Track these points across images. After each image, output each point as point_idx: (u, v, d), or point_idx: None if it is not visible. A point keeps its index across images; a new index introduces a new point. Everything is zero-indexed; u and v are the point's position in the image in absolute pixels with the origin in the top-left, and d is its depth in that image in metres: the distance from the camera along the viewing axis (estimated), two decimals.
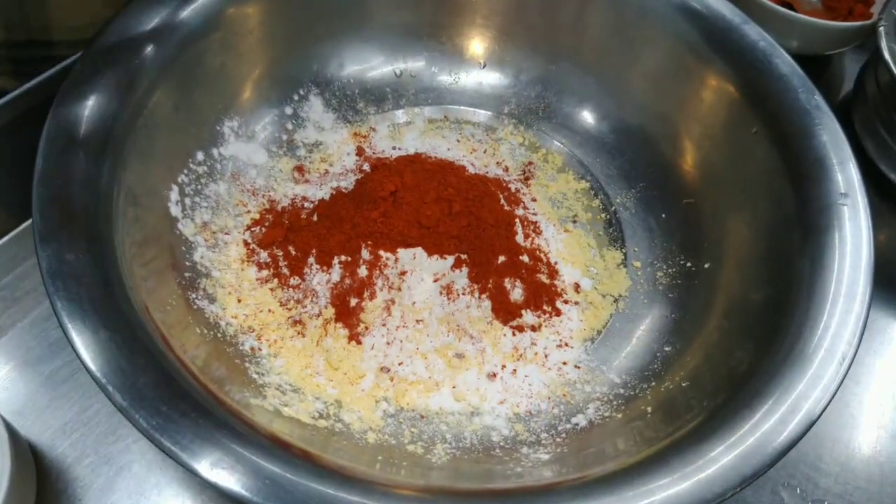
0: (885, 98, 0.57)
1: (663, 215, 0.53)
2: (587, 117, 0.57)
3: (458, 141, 0.57)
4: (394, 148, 0.55)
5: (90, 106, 0.41)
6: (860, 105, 0.61)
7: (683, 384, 0.42)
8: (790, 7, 0.65)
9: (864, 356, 0.51)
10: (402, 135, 0.57)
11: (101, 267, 0.36)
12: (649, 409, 0.42)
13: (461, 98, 0.59)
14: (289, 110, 0.54)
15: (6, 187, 0.49)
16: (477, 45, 0.58)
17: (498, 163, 0.56)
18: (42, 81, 0.48)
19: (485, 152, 0.56)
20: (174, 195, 0.46)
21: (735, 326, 0.44)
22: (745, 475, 0.33)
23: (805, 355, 0.37)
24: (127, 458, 0.42)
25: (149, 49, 0.45)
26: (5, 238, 0.50)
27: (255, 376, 0.42)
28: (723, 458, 0.34)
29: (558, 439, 0.42)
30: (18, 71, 0.51)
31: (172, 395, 0.33)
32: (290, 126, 0.54)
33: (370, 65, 0.57)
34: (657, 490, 0.32)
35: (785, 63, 0.49)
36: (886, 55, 0.55)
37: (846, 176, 0.44)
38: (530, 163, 0.56)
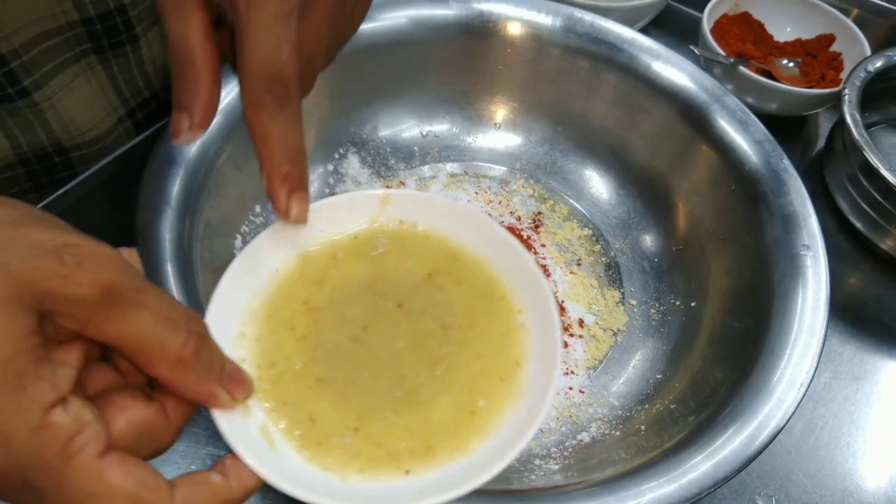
0: (849, 156, 0.65)
1: (656, 260, 0.61)
2: (589, 173, 0.66)
3: (477, 193, 0.65)
4: None
5: (172, 174, 0.50)
6: (830, 161, 0.69)
7: (672, 406, 0.50)
8: (770, 74, 0.74)
9: (832, 382, 0.58)
10: (428, 188, 0.65)
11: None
12: (643, 427, 0.49)
13: (479, 155, 0.67)
14: (330, 167, 0.63)
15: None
16: (495, 110, 0.66)
17: (511, 212, 0.64)
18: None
19: (500, 203, 0.65)
20: (237, 243, 0.54)
21: (716, 355, 0.52)
22: (718, 479, 0.40)
23: (771, 383, 0.45)
24: None
25: (217, 119, 0.53)
26: None
27: None
28: (701, 465, 0.41)
29: (566, 453, 0.50)
30: (37, 185, 0.57)
31: None
32: (331, 181, 0.63)
33: (401, 128, 0.66)
34: (647, 491, 0.40)
35: (759, 131, 0.57)
36: (849, 120, 0.63)
37: (809, 230, 0.52)
38: (539, 213, 0.64)
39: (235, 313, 0.33)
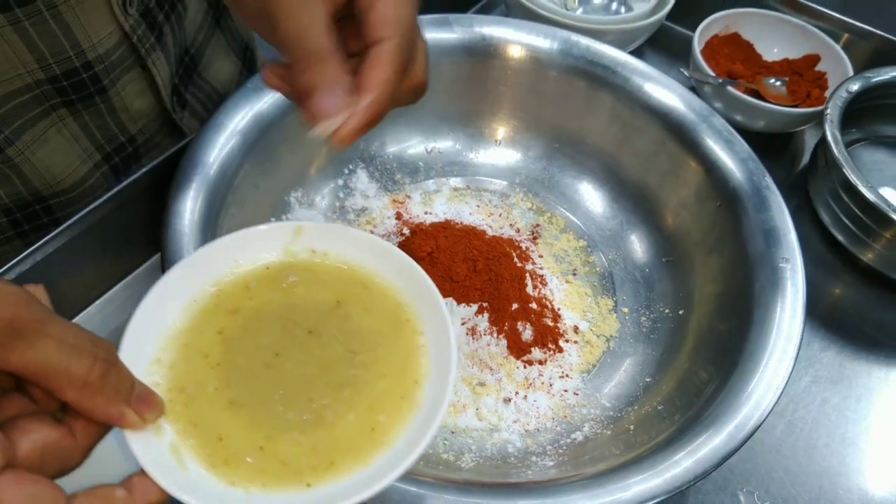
0: (830, 173, 0.69)
1: (647, 270, 0.65)
2: (585, 187, 0.69)
3: (478, 206, 0.69)
4: (426, 213, 0.67)
5: (192, 197, 0.53)
6: (813, 177, 0.73)
7: (659, 407, 0.53)
8: (757, 93, 0.78)
9: (811, 386, 0.62)
10: (433, 201, 0.69)
11: None
12: (632, 427, 0.53)
13: (480, 170, 0.71)
14: (340, 182, 0.67)
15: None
16: (496, 128, 0.70)
17: (511, 224, 0.68)
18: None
19: (500, 216, 0.68)
20: None
21: (702, 360, 0.55)
22: (697, 474, 0.44)
23: (749, 386, 0.48)
24: None
25: (235, 140, 0.57)
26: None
27: None
28: (683, 461, 0.45)
29: (560, 451, 0.53)
30: (20, 232, 0.59)
31: None
32: (341, 195, 0.66)
33: (407, 144, 0.69)
34: (633, 484, 0.43)
35: (743, 150, 0.61)
36: (830, 139, 0.67)
37: (788, 244, 0.56)
38: (537, 225, 0.68)
39: (152, 340, 0.35)
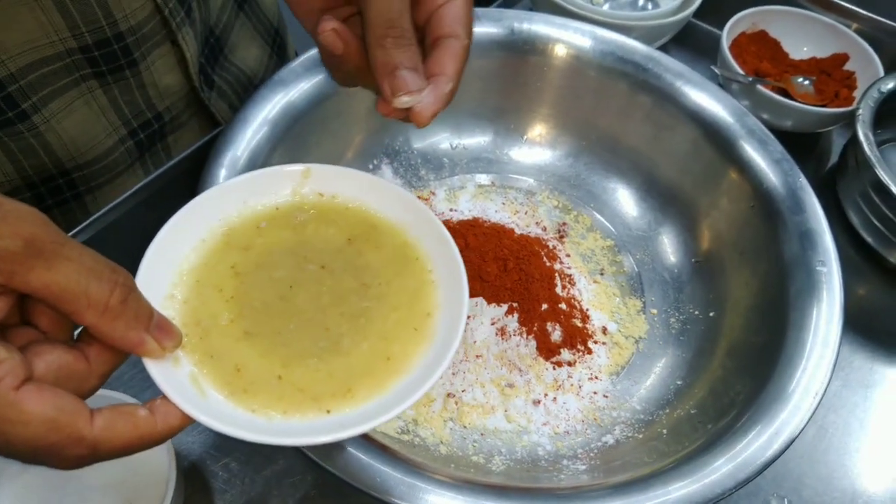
0: (861, 173, 0.68)
1: (676, 271, 0.64)
2: (613, 186, 0.68)
3: (504, 204, 0.68)
4: (451, 209, 0.67)
5: (224, 175, 0.53)
6: (843, 177, 0.72)
7: (692, 411, 0.53)
8: (785, 92, 0.77)
9: (842, 390, 0.61)
10: (458, 198, 0.68)
11: None
12: (664, 430, 0.52)
13: (506, 167, 0.70)
14: None
15: None
16: (527, 125, 0.69)
17: (537, 223, 0.67)
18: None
19: (526, 213, 0.68)
20: None
21: (735, 364, 0.54)
22: (738, 480, 0.43)
23: (788, 392, 0.48)
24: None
25: (264, 130, 0.56)
26: None
27: None
28: (722, 468, 0.44)
29: (591, 454, 0.53)
30: (44, 207, 0.59)
31: None
32: None
33: (432, 140, 0.69)
34: (673, 490, 0.43)
35: (777, 150, 0.60)
36: (862, 139, 0.66)
37: (824, 246, 0.55)
38: (564, 223, 0.67)
39: (164, 277, 0.36)
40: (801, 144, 0.78)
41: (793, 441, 0.45)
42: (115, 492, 0.47)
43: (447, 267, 0.38)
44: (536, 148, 0.70)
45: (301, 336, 0.36)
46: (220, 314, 0.36)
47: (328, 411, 0.34)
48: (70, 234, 0.51)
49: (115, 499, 0.47)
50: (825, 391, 0.47)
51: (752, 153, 0.60)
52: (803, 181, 0.58)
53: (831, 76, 0.79)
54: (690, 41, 0.86)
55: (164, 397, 0.32)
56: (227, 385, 0.34)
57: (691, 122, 0.62)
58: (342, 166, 0.42)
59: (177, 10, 0.56)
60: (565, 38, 0.65)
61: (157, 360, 0.32)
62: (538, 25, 0.64)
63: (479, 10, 0.65)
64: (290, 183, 0.41)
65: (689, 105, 0.62)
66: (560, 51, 0.65)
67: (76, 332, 0.32)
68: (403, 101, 0.36)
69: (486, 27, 0.64)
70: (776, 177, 0.59)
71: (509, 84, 0.67)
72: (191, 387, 0.33)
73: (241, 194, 0.40)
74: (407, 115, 0.37)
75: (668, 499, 0.42)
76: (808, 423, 0.46)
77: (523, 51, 0.65)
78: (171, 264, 0.37)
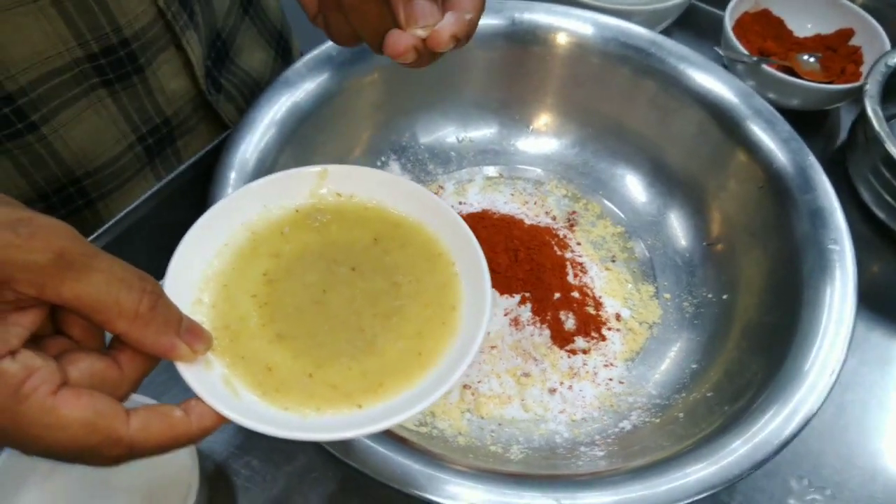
0: (870, 149, 0.67)
1: (687, 255, 0.64)
2: (621, 172, 0.68)
3: (513, 195, 0.68)
4: (460, 202, 0.67)
5: (234, 182, 0.53)
6: (853, 153, 0.72)
7: (708, 394, 0.53)
8: (791, 70, 0.76)
9: (859, 367, 0.61)
10: (466, 191, 0.68)
11: None
12: (681, 414, 0.52)
13: (514, 158, 0.70)
14: None
15: None
16: (532, 115, 0.69)
17: (547, 212, 0.67)
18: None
19: (535, 203, 0.68)
20: None
21: (749, 345, 0.54)
22: (756, 461, 0.43)
23: (803, 371, 0.48)
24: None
25: (272, 132, 0.57)
26: None
27: None
28: (740, 449, 0.44)
29: (609, 440, 0.53)
30: (56, 217, 0.60)
31: None
32: None
33: (439, 134, 0.69)
34: (692, 473, 0.43)
35: (785, 130, 0.60)
36: (870, 114, 0.66)
37: (835, 224, 0.55)
38: (574, 212, 0.67)
39: (191, 282, 0.37)
40: (809, 123, 0.78)
41: (809, 420, 0.45)
42: (140, 493, 0.48)
43: (469, 259, 0.39)
44: (543, 138, 0.70)
45: (336, 338, 0.37)
46: (250, 318, 0.37)
47: (359, 406, 0.35)
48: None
49: (140, 500, 0.48)
50: (841, 369, 0.47)
51: (760, 133, 0.60)
52: (812, 160, 0.58)
53: (837, 52, 0.78)
54: (693, 24, 0.86)
55: (198, 399, 0.32)
56: (260, 385, 0.35)
57: (696, 105, 0.62)
58: (358, 166, 0.42)
59: (179, 14, 0.56)
60: (567, 25, 0.65)
61: (188, 364, 0.33)
62: (539, 14, 0.64)
63: None
64: (307, 184, 0.41)
65: (694, 87, 0.62)
66: (562, 39, 0.65)
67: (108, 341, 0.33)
68: (419, 32, 0.37)
69: (487, 18, 0.64)
70: (785, 156, 0.58)
71: (512, 75, 0.67)
72: (223, 388, 0.34)
73: (260, 198, 0.40)
74: (418, 59, 0.38)
75: (688, 481, 0.43)
76: (824, 401, 0.46)
77: (525, 41, 0.65)
78: (197, 270, 0.38)
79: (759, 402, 0.47)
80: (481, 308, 0.37)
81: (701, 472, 0.43)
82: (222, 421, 0.32)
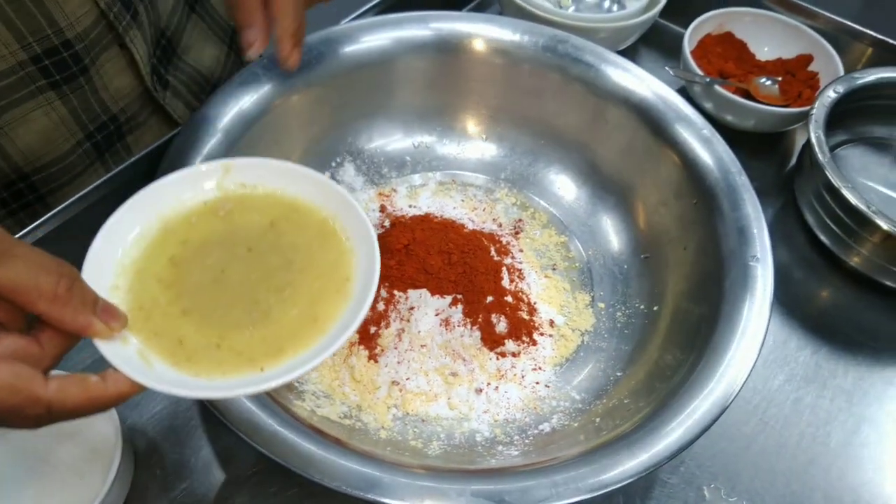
0: (814, 175, 0.69)
1: (625, 266, 0.65)
2: (567, 183, 0.70)
3: (463, 200, 0.70)
4: (410, 206, 0.69)
5: None
6: (799, 178, 0.73)
7: (625, 400, 0.54)
8: (748, 94, 0.78)
9: (784, 385, 0.62)
10: (418, 195, 0.70)
11: None
12: (598, 419, 0.54)
13: (466, 165, 0.72)
14: (327, 174, 0.68)
15: None
16: (474, 123, 0.72)
17: (494, 219, 0.69)
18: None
19: (483, 210, 0.70)
20: None
21: (670, 355, 0.56)
22: (668, 454, 0.45)
23: (710, 385, 0.48)
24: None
25: (218, 136, 0.59)
26: None
27: (296, 384, 0.55)
28: (626, 462, 0.45)
29: (527, 441, 0.54)
30: (10, 211, 0.62)
31: None
32: None
33: (392, 138, 0.71)
34: (610, 466, 0.45)
35: (721, 148, 0.61)
36: (814, 140, 0.67)
37: (761, 243, 0.56)
38: (520, 220, 0.69)
39: (108, 270, 0.40)
40: (764, 144, 0.80)
41: (712, 425, 0.46)
42: (67, 466, 0.50)
43: (362, 238, 0.43)
44: (495, 146, 0.72)
45: (234, 310, 0.41)
46: (160, 298, 0.41)
47: (262, 368, 0.39)
48: (28, 229, 0.54)
49: (69, 472, 0.50)
50: (745, 381, 0.49)
51: (698, 150, 0.61)
52: (744, 179, 0.59)
53: (796, 77, 0.80)
54: (657, 42, 0.88)
55: (115, 370, 0.36)
56: (172, 356, 0.38)
57: (634, 119, 0.64)
58: (260, 158, 0.46)
59: (122, 14, 0.58)
60: (488, 33, 0.67)
61: (106, 341, 0.37)
62: (461, 24, 0.67)
63: (401, 14, 0.67)
64: (214, 178, 0.45)
65: (626, 97, 0.64)
66: (487, 47, 0.67)
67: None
68: (252, 53, 0.49)
69: (413, 30, 0.67)
70: (719, 173, 0.60)
71: (446, 83, 0.69)
72: (138, 360, 0.37)
73: (171, 191, 0.44)
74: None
75: (615, 472, 0.44)
76: (730, 404, 0.47)
77: (449, 50, 0.67)
78: (113, 259, 0.41)
79: (672, 404, 0.48)
80: (371, 278, 0.41)
81: (626, 462, 0.45)
82: (136, 387, 0.36)
